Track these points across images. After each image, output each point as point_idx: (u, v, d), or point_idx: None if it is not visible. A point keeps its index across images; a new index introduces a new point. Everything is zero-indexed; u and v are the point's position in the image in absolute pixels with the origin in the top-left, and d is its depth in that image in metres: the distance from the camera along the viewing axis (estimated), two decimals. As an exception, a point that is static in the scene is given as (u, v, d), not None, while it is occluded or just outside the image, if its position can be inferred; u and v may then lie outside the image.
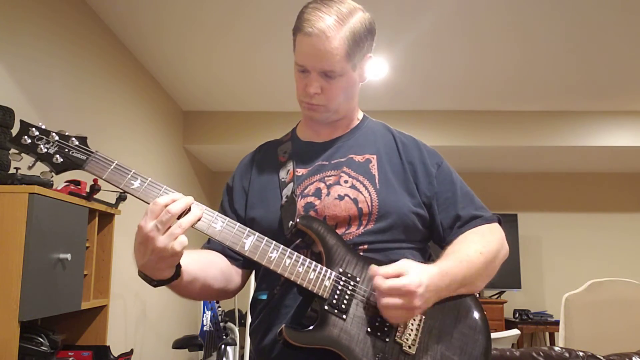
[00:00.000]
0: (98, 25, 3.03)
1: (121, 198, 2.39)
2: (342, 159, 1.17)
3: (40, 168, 1.02)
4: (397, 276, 0.96)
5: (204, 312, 3.88)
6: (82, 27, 2.83)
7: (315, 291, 1.00)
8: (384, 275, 0.96)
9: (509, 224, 5.25)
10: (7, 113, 1.85)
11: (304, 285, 1.00)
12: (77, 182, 2.10)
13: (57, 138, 0.98)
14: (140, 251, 0.92)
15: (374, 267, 0.98)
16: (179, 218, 0.93)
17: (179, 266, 0.98)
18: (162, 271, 0.95)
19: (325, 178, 1.14)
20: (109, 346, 2.27)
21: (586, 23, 3.08)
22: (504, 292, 5.32)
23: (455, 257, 1.06)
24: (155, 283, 0.97)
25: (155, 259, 0.92)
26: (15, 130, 1.82)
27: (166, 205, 0.92)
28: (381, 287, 0.95)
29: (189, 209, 0.95)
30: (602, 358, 1.88)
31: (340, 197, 1.10)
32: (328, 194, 1.11)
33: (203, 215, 0.97)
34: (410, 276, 0.96)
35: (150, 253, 0.91)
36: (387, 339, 1.00)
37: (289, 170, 1.17)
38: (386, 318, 0.98)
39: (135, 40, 3.32)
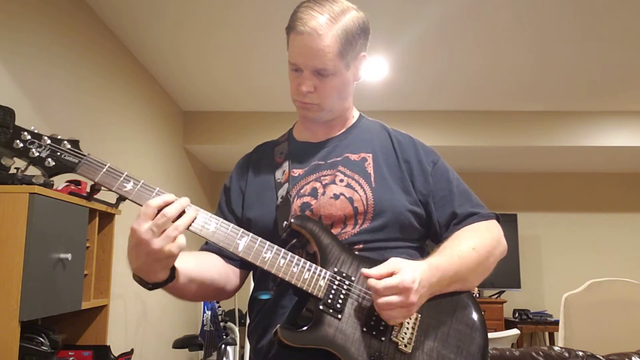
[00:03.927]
0: (98, 25, 3.04)
1: (121, 198, 2.38)
2: (338, 158, 1.17)
3: (35, 171, 1.02)
4: (390, 275, 0.96)
5: (204, 312, 3.89)
6: (82, 26, 2.84)
7: (310, 291, 1.01)
8: (377, 276, 0.96)
9: (508, 223, 5.26)
10: (8, 113, 1.85)
11: (299, 286, 1.01)
12: (77, 182, 2.10)
13: (49, 142, 0.98)
14: (134, 253, 0.93)
15: (365, 270, 0.98)
16: (174, 220, 0.94)
17: (174, 268, 0.98)
18: (156, 273, 0.95)
19: (321, 177, 1.14)
20: (109, 346, 2.27)
21: (586, 23, 3.08)
22: (503, 292, 5.32)
23: (447, 253, 1.06)
24: (150, 286, 0.97)
25: (150, 261, 0.92)
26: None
27: (159, 207, 0.92)
28: (377, 287, 0.95)
29: (184, 211, 0.95)
30: (601, 358, 1.89)
31: (336, 196, 1.10)
32: (324, 193, 1.11)
33: (197, 216, 0.97)
34: (404, 273, 0.96)
35: (146, 256, 0.91)
36: (383, 338, 1.00)
37: (284, 170, 1.18)
38: (385, 319, 0.98)
39: (135, 40, 3.33)
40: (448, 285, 1.05)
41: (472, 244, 1.08)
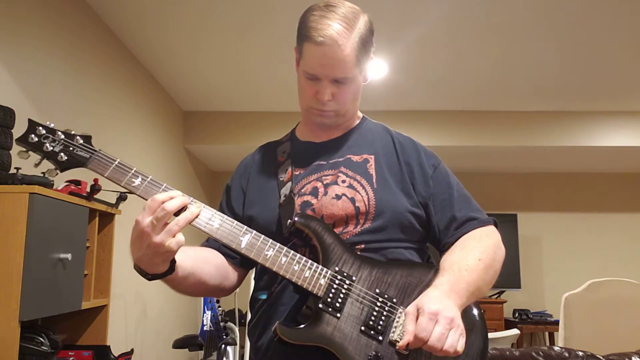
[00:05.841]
0: (98, 26, 3.04)
1: (121, 198, 2.39)
2: (340, 159, 1.17)
3: (45, 166, 1.04)
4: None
5: (204, 312, 3.89)
6: (82, 27, 2.84)
7: (310, 289, 1.01)
8: (411, 333, 0.95)
9: (508, 224, 5.25)
10: (8, 113, 1.86)
11: (299, 283, 1.01)
12: (77, 182, 2.10)
13: (62, 137, 1.01)
14: (136, 245, 0.95)
15: (400, 344, 0.97)
16: (177, 215, 0.95)
17: (173, 261, 1.00)
18: (156, 265, 0.97)
19: (323, 177, 1.15)
20: (109, 346, 2.27)
21: (586, 24, 3.08)
22: (503, 292, 5.32)
23: (456, 269, 1.04)
24: (149, 277, 0.99)
25: (150, 253, 0.94)
26: (17, 130, 1.84)
27: (163, 202, 0.93)
28: (418, 337, 0.93)
29: (187, 207, 0.96)
30: (601, 358, 1.89)
31: (338, 197, 1.11)
32: (325, 193, 1.12)
33: (201, 212, 0.99)
34: (425, 307, 0.95)
35: (146, 248, 0.93)
36: (381, 338, 1.00)
37: (287, 169, 1.18)
38: (451, 350, 0.93)
39: (135, 40, 3.33)
40: (468, 300, 1.03)
41: (478, 255, 1.07)
